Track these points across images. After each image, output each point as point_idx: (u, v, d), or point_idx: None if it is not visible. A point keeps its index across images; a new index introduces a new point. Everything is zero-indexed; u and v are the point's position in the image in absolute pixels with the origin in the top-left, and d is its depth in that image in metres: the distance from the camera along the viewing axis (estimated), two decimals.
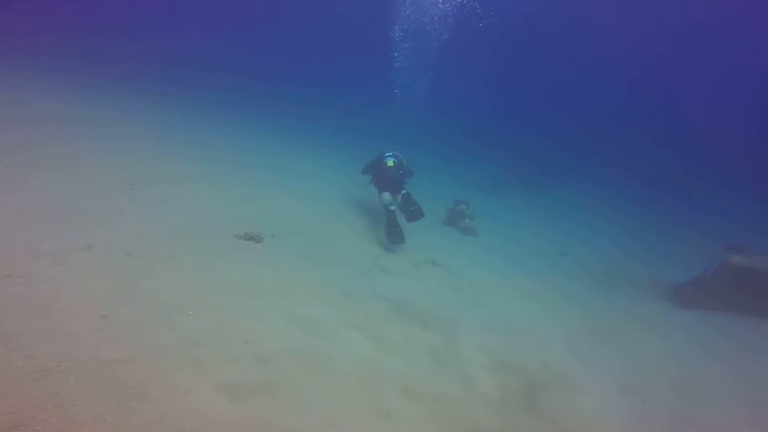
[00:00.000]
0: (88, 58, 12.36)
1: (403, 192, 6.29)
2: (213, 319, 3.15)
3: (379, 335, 3.72)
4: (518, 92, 24.14)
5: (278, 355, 3.00)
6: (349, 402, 2.82)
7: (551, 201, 11.66)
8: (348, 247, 5.65)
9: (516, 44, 24.39)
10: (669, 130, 21.16)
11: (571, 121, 20.51)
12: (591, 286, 6.68)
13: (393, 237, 6.07)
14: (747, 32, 22.06)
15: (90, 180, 4.81)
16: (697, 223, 11.65)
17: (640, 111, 23.54)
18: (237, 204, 5.62)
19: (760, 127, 20.14)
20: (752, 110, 21.41)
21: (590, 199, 12.52)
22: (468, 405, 3.20)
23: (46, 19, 15.06)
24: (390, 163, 6.55)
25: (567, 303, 5.79)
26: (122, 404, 2.03)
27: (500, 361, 3.86)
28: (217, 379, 2.53)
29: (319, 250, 5.11)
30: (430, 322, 4.19)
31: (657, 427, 3.62)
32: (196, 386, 2.39)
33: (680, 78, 24.50)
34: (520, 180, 12.94)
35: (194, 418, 2.16)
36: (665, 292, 7.09)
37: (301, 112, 14.04)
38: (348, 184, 8.07)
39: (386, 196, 6.42)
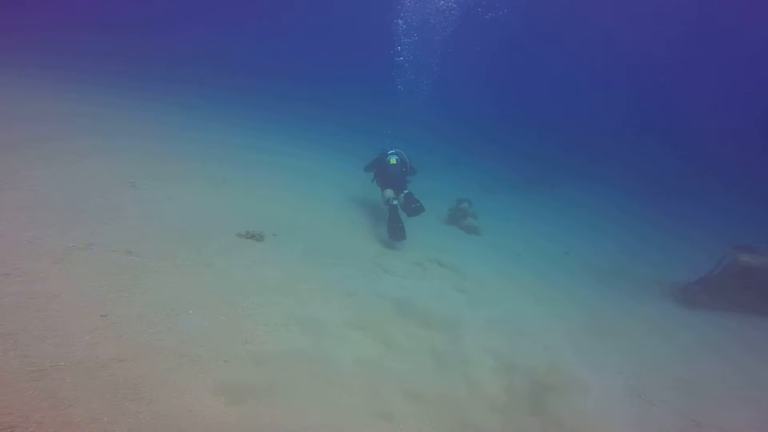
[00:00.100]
0: (90, 55, 12.41)
1: (405, 192, 6.26)
2: (212, 319, 3.13)
3: (381, 335, 3.68)
4: (523, 91, 24.02)
5: (278, 356, 2.97)
6: (350, 403, 2.78)
7: (555, 200, 11.57)
8: (350, 246, 5.61)
9: (521, 42, 24.25)
10: (673, 130, 20.97)
11: (576, 121, 20.38)
12: (596, 286, 6.59)
13: (394, 233, 6.03)
14: (751, 31, 21.81)
15: (91, 178, 4.80)
16: (702, 222, 11.52)
17: (645, 110, 23.36)
18: (239, 202, 5.60)
19: (763, 126, 19.93)
20: (755, 109, 21.19)
21: (594, 198, 12.42)
22: (471, 407, 3.15)
23: (47, 17, 15.12)
24: (393, 160, 6.50)
25: (572, 303, 5.71)
26: (118, 404, 2.01)
27: (505, 362, 3.80)
28: (216, 380, 2.50)
29: (321, 248, 5.08)
30: (432, 323, 4.13)
31: (665, 429, 3.56)
32: (194, 386, 2.37)
33: (685, 77, 24.29)
34: (524, 179, 12.84)
35: (191, 418, 2.13)
36: (671, 292, 6.98)
37: (305, 110, 14.02)
38: (351, 183, 8.03)
39: (388, 192, 6.39)
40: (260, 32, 24.51)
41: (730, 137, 19.28)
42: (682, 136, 19.82)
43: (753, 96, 21.85)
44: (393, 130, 8.40)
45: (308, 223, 5.74)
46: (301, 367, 2.96)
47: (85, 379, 2.08)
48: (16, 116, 6.20)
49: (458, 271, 5.77)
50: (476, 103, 20.97)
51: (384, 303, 4.28)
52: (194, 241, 4.15)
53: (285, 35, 26.36)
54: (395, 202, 6.25)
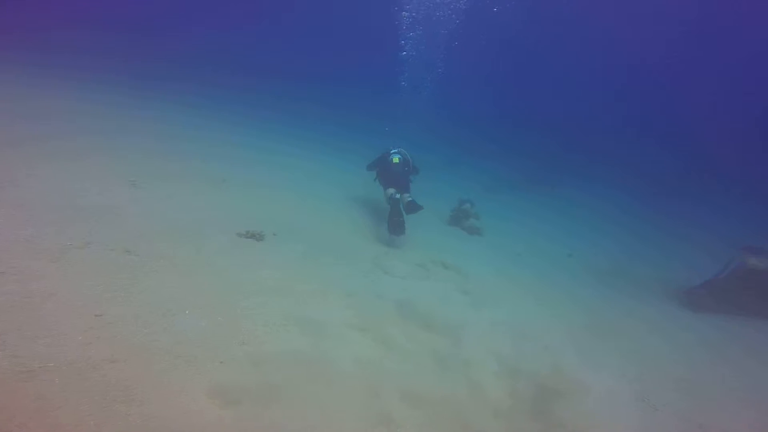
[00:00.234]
0: (90, 53, 12.45)
1: (409, 199, 6.20)
2: (210, 319, 3.08)
3: (381, 337, 3.61)
4: (523, 91, 23.91)
5: (276, 357, 2.92)
6: (349, 406, 2.72)
7: (558, 201, 11.48)
8: (351, 246, 5.55)
9: (523, 41, 24.15)
10: (673, 130, 20.80)
11: (577, 121, 20.26)
12: (598, 288, 6.50)
13: (394, 228, 5.99)
14: (751, 31, 21.58)
15: (91, 176, 4.78)
16: (703, 223, 11.42)
17: (645, 110, 23.20)
18: (240, 202, 5.57)
19: (763, 126, 19.71)
20: (755, 109, 20.97)
21: (597, 199, 12.32)
22: (473, 410, 3.08)
23: (48, 15, 15.19)
24: (396, 159, 6.45)
25: (574, 305, 5.63)
26: (108, 406, 1.96)
27: (507, 365, 3.72)
28: (211, 381, 2.45)
29: (321, 248, 5.02)
30: (434, 324, 4.06)
31: None
32: (188, 388, 2.32)
33: (685, 77, 24.07)
34: (525, 180, 12.75)
35: (184, 420, 2.08)
36: (676, 295, 6.87)
37: (305, 110, 14.00)
38: (352, 183, 7.99)
39: (391, 189, 6.35)
40: (260, 32, 24.55)
41: (730, 137, 19.10)
42: (682, 136, 19.68)
43: (753, 96, 21.64)
44: (392, 128, 8.34)
45: (308, 222, 5.69)
46: (300, 368, 2.91)
47: (75, 380, 2.04)
48: (17, 114, 6.21)
49: (460, 272, 5.70)
50: (477, 102, 20.88)
51: (385, 304, 4.22)
52: (194, 241, 4.11)
53: (285, 35, 26.39)
54: (398, 196, 6.21)
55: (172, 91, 11.05)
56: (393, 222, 5.99)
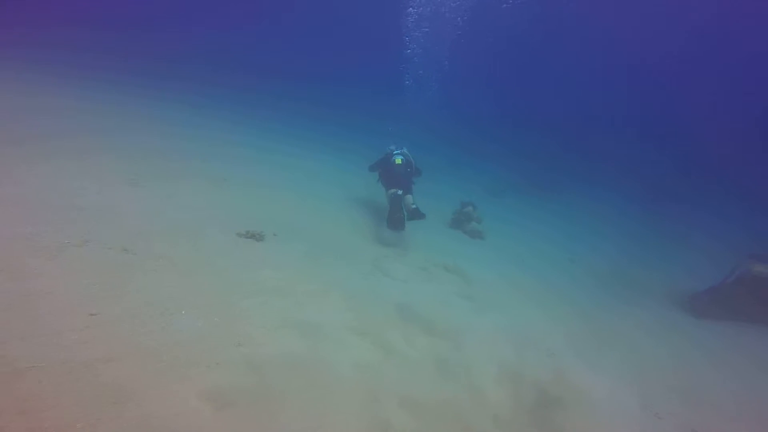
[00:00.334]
0: (91, 51, 12.51)
1: (413, 206, 6.17)
2: (206, 319, 3.03)
3: (381, 340, 3.55)
4: (526, 92, 23.83)
5: (272, 359, 2.86)
6: (347, 411, 2.66)
7: (559, 204, 11.44)
8: (352, 248, 5.51)
9: (528, 41, 24.06)
10: (673, 131, 20.63)
11: (579, 123, 20.16)
12: (600, 294, 6.45)
13: (394, 223, 5.98)
14: (751, 30, 21.36)
15: (91, 175, 4.76)
16: (704, 227, 11.34)
17: (645, 112, 23.05)
18: (240, 202, 5.54)
19: (763, 126, 19.49)
20: (755, 109, 20.75)
21: (600, 204, 12.27)
22: (474, 417, 3.01)
23: (48, 13, 15.30)
24: (398, 161, 6.41)
25: (577, 311, 5.57)
26: (97, 408, 1.91)
27: (509, 371, 3.65)
28: (205, 383, 2.40)
29: (321, 250, 4.98)
30: (435, 328, 3.99)
31: None
32: (182, 389, 2.27)
33: (685, 78, 23.87)
34: (530, 184, 12.69)
35: (175, 424, 2.03)
36: (679, 302, 6.80)
37: (305, 110, 14.02)
38: (352, 183, 7.96)
39: (393, 190, 6.32)
40: (260, 32, 24.64)
41: (729, 137, 18.91)
42: (682, 137, 19.54)
43: (753, 96, 21.42)
44: (395, 128, 8.31)
45: (309, 223, 5.65)
46: (297, 371, 2.85)
47: (65, 380, 1.99)
48: (18, 112, 6.22)
49: (462, 276, 5.64)
50: (478, 102, 20.84)
51: (385, 307, 4.16)
52: (192, 240, 4.07)
53: (285, 35, 26.47)
54: (400, 193, 6.20)
55: (173, 90, 11.08)
56: (393, 218, 5.99)
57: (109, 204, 4.22)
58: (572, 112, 21.68)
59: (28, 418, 1.72)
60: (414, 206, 6.12)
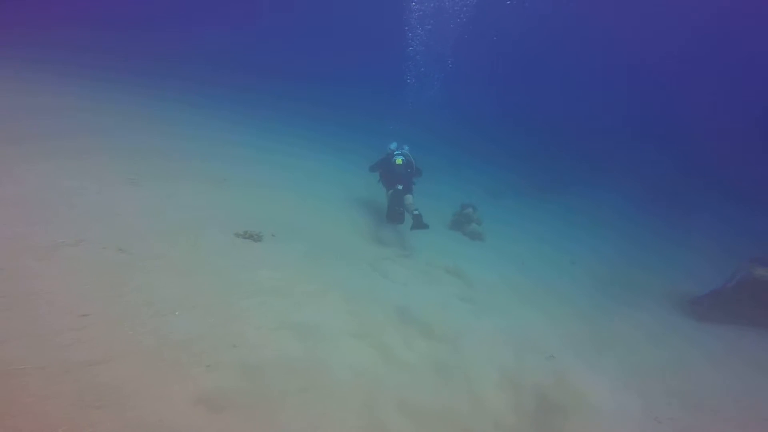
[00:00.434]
0: (90, 51, 12.51)
1: (415, 212, 6.12)
2: (201, 320, 2.97)
3: (379, 344, 3.48)
4: (527, 93, 23.79)
5: (267, 362, 2.80)
6: (343, 417, 2.59)
7: (561, 208, 11.38)
8: (351, 249, 5.45)
9: (529, 46, 24.05)
10: (673, 132, 20.55)
11: (580, 124, 20.11)
12: (601, 297, 6.38)
13: (393, 216, 5.99)
14: (751, 30, 21.28)
15: (90, 174, 4.71)
16: (704, 229, 11.26)
17: (646, 113, 22.98)
18: (240, 202, 5.48)
19: (763, 127, 19.40)
20: (755, 109, 20.67)
21: (600, 206, 12.22)
22: (473, 422, 2.94)
23: (48, 13, 15.29)
24: (399, 161, 6.37)
25: (578, 314, 5.51)
26: (81, 412, 1.85)
27: (509, 375, 3.58)
28: (197, 386, 2.33)
29: (320, 250, 4.92)
30: (434, 331, 3.92)
31: None
32: (171, 393, 2.20)
33: (685, 78, 23.80)
34: (530, 185, 12.63)
35: (162, 428, 1.97)
36: (680, 304, 6.75)
37: (305, 110, 13.99)
38: (352, 183, 7.91)
39: (394, 188, 6.27)
40: (260, 32, 24.65)
41: (729, 138, 18.83)
42: (683, 138, 19.47)
43: (753, 96, 21.35)
44: (395, 127, 8.26)
45: (308, 223, 5.60)
46: (292, 375, 2.78)
47: (47, 384, 1.93)
48: (17, 111, 6.19)
49: (462, 278, 5.58)
50: (480, 102, 20.80)
51: (384, 309, 4.09)
52: (190, 240, 4.01)
53: (285, 35, 26.48)
54: (400, 187, 6.17)
55: (173, 89, 11.06)
56: (392, 211, 6.00)
57: (106, 203, 4.17)
58: (572, 112, 21.63)
59: (4, 423, 1.66)
60: (417, 212, 6.06)
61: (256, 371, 2.69)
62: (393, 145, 6.83)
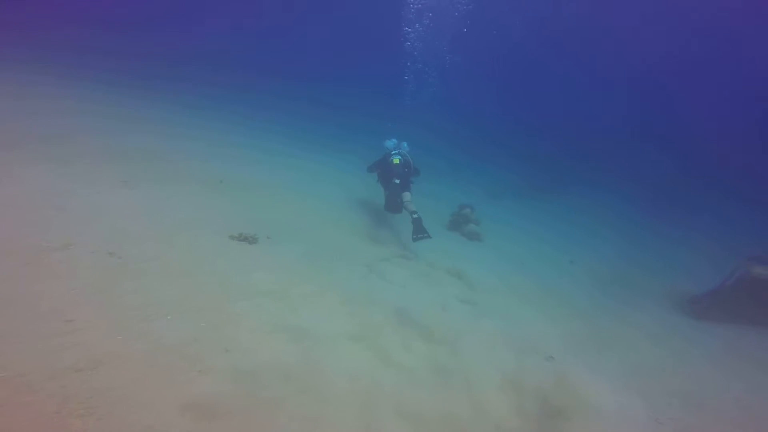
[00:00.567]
0: (90, 52, 12.44)
1: (414, 216, 6.04)
2: (193, 324, 2.88)
3: (377, 347, 3.40)
4: (529, 95, 23.81)
5: (261, 366, 2.71)
6: (339, 424, 2.50)
7: (560, 208, 11.34)
8: (349, 250, 5.37)
9: (529, 45, 24.09)
10: (674, 133, 20.59)
11: (579, 124, 20.13)
12: (601, 297, 6.33)
13: (390, 206, 6.04)
14: (752, 30, 21.36)
15: (83, 176, 4.63)
16: (704, 230, 11.26)
17: (647, 114, 23.03)
18: (236, 204, 5.40)
19: (764, 127, 19.46)
20: (755, 110, 20.74)
21: (600, 207, 12.19)
22: (475, 428, 2.85)
23: (48, 14, 15.22)
24: (396, 160, 6.31)
25: (577, 315, 5.46)
26: (60, 422, 1.76)
27: (510, 379, 3.49)
28: (186, 392, 2.25)
29: (317, 252, 4.84)
30: (433, 334, 3.84)
31: None
32: (159, 399, 2.11)
33: (685, 82, 23.89)
34: (529, 186, 12.59)
35: None
36: (679, 304, 6.74)
37: (305, 110, 13.94)
38: (351, 184, 7.85)
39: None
40: (260, 32, 24.65)
41: (729, 139, 18.88)
42: (682, 138, 19.49)
43: (753, 96, 21.42)
44: (394, 126, 8.19)
45: (306, 224, 5.52)
46: (287, 379, 2.69)
47: (25, 392, 1.84)
48: (15, 113, 6.12)
49: (460, 279, 5.52)
50: (479, 101, 20.79)
51: (382, 311, 4.00)
52: (182, 243, 3.93)
53: (285, 35, 26.48)
54: (397, 182, 6.15)
55: (172, 90, 11.00)
56: (391, 201, 6.05)
57: (98, 206, 4.09)
58: (572, 112, 21.65)
59: None
60: (416, 215, 5.99)
61: (250, 376, 2.60)
62: (390, 143, 6.77)
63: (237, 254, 4.17)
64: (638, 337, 5.15)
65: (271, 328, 3.17)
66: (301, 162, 8.44)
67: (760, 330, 6.09)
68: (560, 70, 25.36)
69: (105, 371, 2.16)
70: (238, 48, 20.28)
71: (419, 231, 5.92)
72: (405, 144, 6.80)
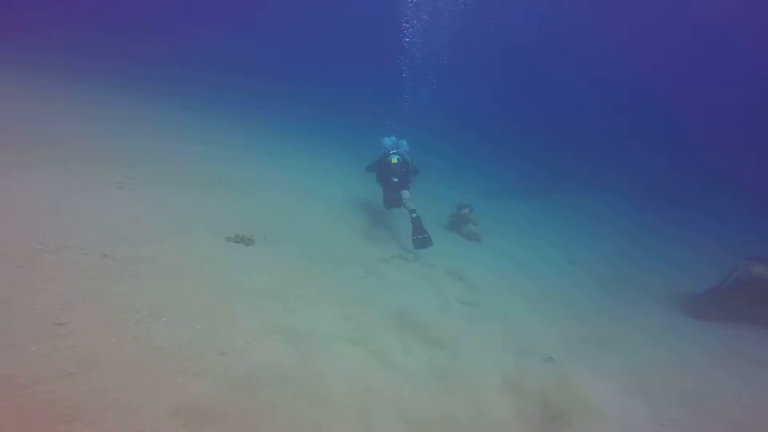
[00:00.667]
0: (89, 53, 12.39)
1: (413, 215, 5.98)
2: (187, 327, 2.83)
3: (375, 350, 3.35)
4: (528, 95, 23.82)
5: (257, 370, 2.66)
6: (338, 430, 2.44)
7: (559, 207, 11.31)
8: (347, 251, 5.32)
9: (530, 45, 24.12)
10: (674, 134, 20.61)
11: (582, 127, 20.16)
12: (601, 297, 6.30)
13: (390, 202, 6.10)
14: (753, 30, 21.43)
15: (79, 178, 4.57)
16: (704, 230, 11.25)
17: (646, 114, 23.08)
18: (234, 205, 5.35)
19: (764, 128, 19.51)
20: (756, 111, 20.78)
21: (599, 206, 12.19)
22: None
23: (47, 15, 15.17)
24: (394, 160, 6.27)
25: (577, 315, 5.41)
26: (45, 428, 1.70)
27: (512, 381, 3.44)
28: (179, 397, 2.19)
29: (314, 253, 4.79)
30: (432, 336, 3.79)
31: None
32: (150, 404, 2.06)
33: (686, 83, 23.95)
34: (529, 185, 12.56)
35: None
36: (679, 304, 6.73)
37: (304, 111, 13.93)
38: (353, 185, 7.80)
39: (399, 196, 6.23)
40: (260, 33, 24.67)
41: (728, 139, 18.90)
42: (682, 138, 19.51)
43: (753, 97, 21.47)
44: (391, 123, 8.15)
45: (303, 225, 5.47)
46: (283, 383, 2.64)
47: (14, 397, 1.78)
48: (14, 115, 6.06)
49: (460, 280, 5.47)
50: (477, 101, 20.79)
51: (381, 313, 3.96)
52: (178, 245, 3.88)
53: (285, 35, 26.50)
54: (395, 180, 6.14)
55: (172, 92, 10.97)
56: (389, 198, 6.10)
57: (93, 208, 4.03)
58: (571, 111, 21.68)
59: None
60: (415, 214, 5.94)
61: (246, 379, 2.55)
62: (387, 141, 6.74)
63: (233, 256, 4.12)
64: (638, 337, 5.12)
65: (267, 330, 3.12)
66: (300, 162, 8.40)
67: (760, 329, 6.06)
68: (559, 68, 25.40)
69: (96, 375, 2.11)
70: (239, 48, 20.29)
71: (419, 231, 5.87)
72: (404, 142, 6.76)
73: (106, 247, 3.45)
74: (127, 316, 2.73)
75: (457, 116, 17.92)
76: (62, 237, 3.41)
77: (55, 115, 6.56)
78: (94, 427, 1.79)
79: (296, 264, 4.37)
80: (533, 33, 22.68)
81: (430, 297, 4.73)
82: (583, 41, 24.65)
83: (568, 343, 4.49)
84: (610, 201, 12.78)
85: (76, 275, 2.97)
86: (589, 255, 8.16)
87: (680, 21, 22.03)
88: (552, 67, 25.53)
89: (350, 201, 7.15)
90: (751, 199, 14.97)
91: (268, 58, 21.25)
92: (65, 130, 6.02)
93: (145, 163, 5.64)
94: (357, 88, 20.00)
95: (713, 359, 4.95)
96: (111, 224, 3.84)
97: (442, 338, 3.79)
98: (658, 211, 12.54)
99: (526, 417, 3.09)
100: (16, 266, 2.84)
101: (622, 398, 3.67)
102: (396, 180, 6.08)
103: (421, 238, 5.84)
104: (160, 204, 4.65)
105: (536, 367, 3.77)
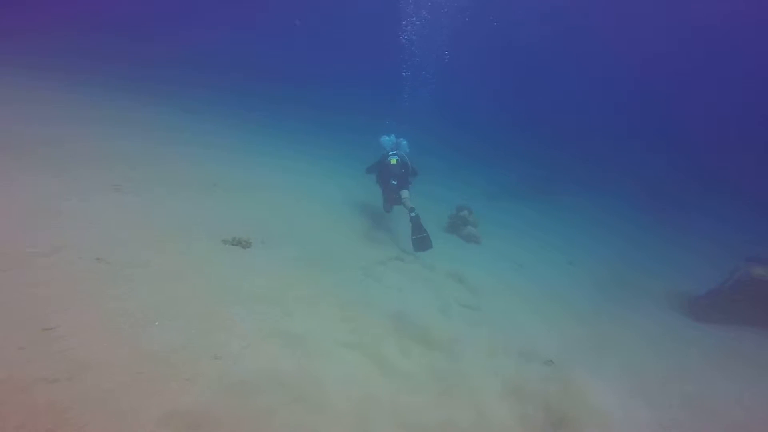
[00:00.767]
0: (91, 56, 12.34)
1: (412, 215, 5.94)
2: (182, 330, 2.78)
3: (374, 354, 3.30)
4: (527, 97, 23.80)
5: (253, 374, 2.60)
6: None
7: (559, 209, 11.29)
8: (345, 253, 5.27)
9: (530, 46, 24.09)
10: (674, 135, 20.59)
11: (582, 128, 20.14)
12: (600, 299, 6.26)
13: (389, 202, 6.16)
14: (753, 30, 21.41)
15: (75, 181, 4.52)
16: (704, 231, 11.21)
17: (646, 118, 23.07)
18: (231, 207, 5.31)
19: (764, 129, 19.50)
20: (757, 111, 20.77)
21: (598, 207, 12.16)
22: None
23: (47, 17, 15.13)
24: (393, 161, 6.24)
25: (577, 318, 5.38)
26: None
27: (512, 384, 3.39)
28: (170, 402, 2.14)
29: (312, 255, 4.74)
30: (432, 339, 3.74)
31: None
32: (140, 410, 2.00)
33: (686, 83, 23.94)
34: (528, 187, 12.53)
35: None
36: (679, 305, 6.71)
37: (303, 113, 13.89)
38: (351, 186, 7.76)
39: (399, 195, 6.20)
40: (260, 34, 24.66)
41: (729, 140, 18.89)
42: (682, 139, 19.49)
43: (753, 97, 21.46)
44: (391, 123, 8.12)
45: (301, 228, 5.43)
46: (279, 388, 2.59)
47: (4, 401, 1.73)
48: (12, 116, 6.01)
49: (458, 281, 5.44)
50: (477, 101, 20.77)
51: (379, 316, 3.91)
52: (174, 248, 3.83)
53: (285, 36, 26.46)
54: (394, 182, 6.13)
55: (171, 94, 10.92)
56: (388, 197, 6.10)
57: (90, 211, 3.97)
58: (571, 112, 21.66)
59: None
60: (414, 213, 5.90)
61: (241, 384, 2.50)
62: (386, 141, 6.70)
63: (230, 259, 4.06)
64: (638, 340, 5.09)
65: (263, 334, 3.07)
66: (299, 164, 8.37)
67: (761, 331, 6.03)
68: (559, 68, 25.40)
69: (84, 380, 2.06)
70: (238, 50, 20.26)
71: (418, 230, 5.82)
72: (404, 142, 6.72)
73: (100, 250, 3.39)
74: (120, 319, 2.68)
75: (456, 116, 17.90)
76: (57, 240, 3.36)
77: (54, 117, 6.52)
78: None
79: (295, 266, 4.32)
80: (533, 32, 22.64)
81: (430, 299, 4.68)
82: (583, 41, 24.63)
83: (568, 346, 4.46)
84: (610, 202, 12.78)
85: (68, 279, 2.92)
86: (589, 257, 8.13)
87: (680, 21, 22.01)
88: (552, 67, 25.53)
89: (349, 202, 7.11)
90: (751, 200, 14.96)
91: (268, 58, 21.24)
92: (64, 132, 5.98)
93: (141, 165, 5.60)
94: (357, 88, 19.98)
95: (714, 361, 4.92)
96: (106, 227, 3.79)
97: (442, 341, 3.74)
98: (658, 211, 12.53)
99: (527, 421, 3.04)
100: (6, 269, 2.79)
101: (625, 401, 3.63)
102: (395, 182, 6.04)
103: (421, 238, 5.79)
104: (157, 206, 4.60)
105: (537, 370, 3.73)
